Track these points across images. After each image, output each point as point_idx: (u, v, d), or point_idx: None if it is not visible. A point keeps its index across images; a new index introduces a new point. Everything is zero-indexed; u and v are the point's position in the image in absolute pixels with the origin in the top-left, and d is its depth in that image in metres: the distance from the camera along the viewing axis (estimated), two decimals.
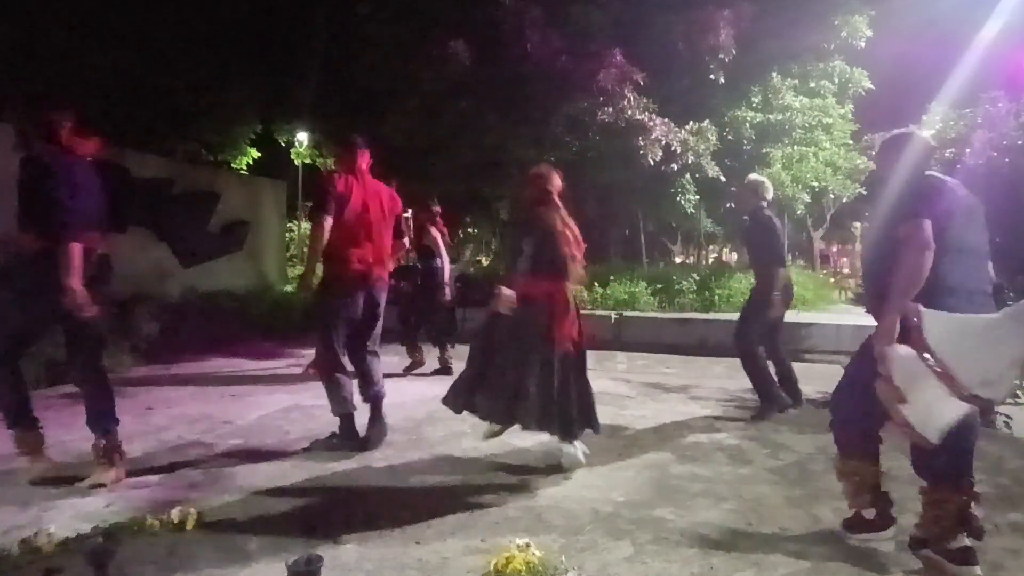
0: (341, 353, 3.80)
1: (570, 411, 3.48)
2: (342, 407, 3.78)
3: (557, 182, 3.67)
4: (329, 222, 3.62)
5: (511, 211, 3.90)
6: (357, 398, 3.87)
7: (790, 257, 23.41)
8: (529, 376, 3.38)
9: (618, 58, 9.59)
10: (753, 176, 5.19)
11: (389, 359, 6.70)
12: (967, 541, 2.40)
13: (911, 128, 2.94)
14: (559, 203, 3.64)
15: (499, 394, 3.45)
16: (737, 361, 5.49)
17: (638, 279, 10.04)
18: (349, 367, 3.87)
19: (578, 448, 3.55)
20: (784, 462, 3.74)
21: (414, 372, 6.44)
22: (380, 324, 3.99)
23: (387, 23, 10.22)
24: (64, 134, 3.20)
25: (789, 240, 24.27)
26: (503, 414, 3.52)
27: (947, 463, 2.40)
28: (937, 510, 2.41)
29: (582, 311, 3.94)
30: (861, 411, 2.62)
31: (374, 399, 3.91)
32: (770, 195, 4.94)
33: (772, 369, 4.88)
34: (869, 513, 2.74)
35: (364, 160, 3.91)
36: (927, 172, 2.60)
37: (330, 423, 4.37)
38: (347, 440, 3.79)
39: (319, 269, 3.80)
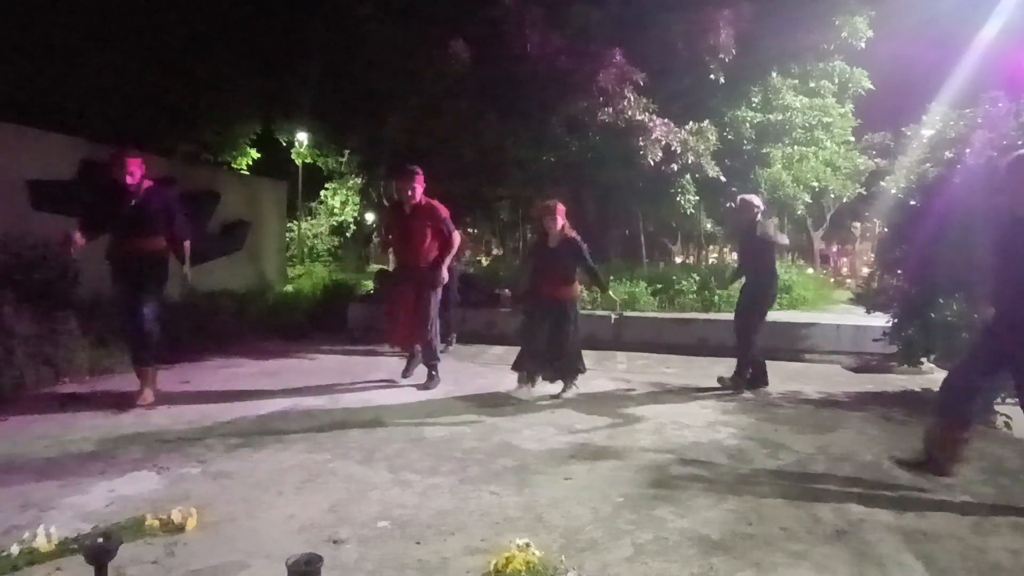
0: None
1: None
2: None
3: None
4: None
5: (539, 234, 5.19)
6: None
7: (790, 257, 23.44)
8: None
9: (618, 58, 9.57)
10: (745, 196, 6.00)
11: (388, 360, 6.72)
12: None
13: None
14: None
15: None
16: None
17: (638, 279, 10.03)
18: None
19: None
20: (784, 462, 3.74)
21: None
22: (422, 310, 5.35)
23: (387, 23, 10.20)
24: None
25: (789, 240, 24.27)
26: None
27: None
28: None
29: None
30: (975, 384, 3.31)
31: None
32: (761, 207, 5.85)
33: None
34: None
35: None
36: None
37: (331, 422, 4.39)
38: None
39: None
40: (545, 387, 5.36)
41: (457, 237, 5.42)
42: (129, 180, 4.58)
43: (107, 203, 4.68)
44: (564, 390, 5.27)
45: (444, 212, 5.32)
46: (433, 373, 5.53)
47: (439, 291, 5.40)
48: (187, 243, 4.93)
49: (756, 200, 5.81)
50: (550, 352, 5.17)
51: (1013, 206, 3.23)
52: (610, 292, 5.64)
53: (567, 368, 5.26)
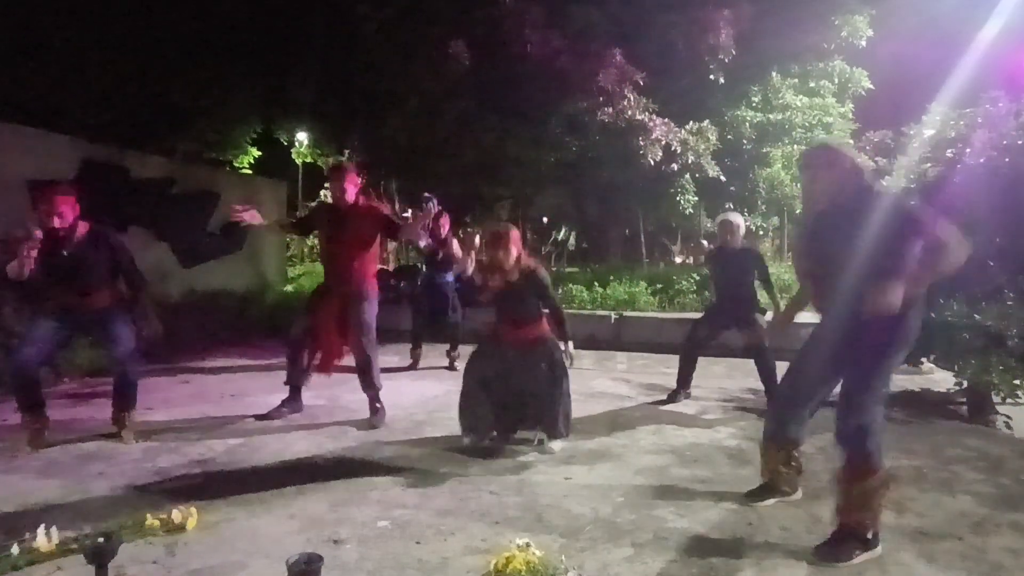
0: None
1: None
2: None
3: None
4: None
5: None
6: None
7: (790, 257, 23.42)
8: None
9: (618, 58, 9.57)
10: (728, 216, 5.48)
11: (388, 359, 6.72)
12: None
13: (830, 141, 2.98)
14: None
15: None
16: (737, 361, 5.51)
17: (638, 279, 10.03)
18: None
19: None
20: None
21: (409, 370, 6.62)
22: (358, 328, 4.46)
23: (387, 23, 10.21)
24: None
25: (788, 240, 24.27)
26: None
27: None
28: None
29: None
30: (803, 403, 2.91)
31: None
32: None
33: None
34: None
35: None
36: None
37: (331, 421, 4.39)
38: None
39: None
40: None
41: (412, 226, 4.72)
42: (57, 223, 3.71)
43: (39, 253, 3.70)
44: (548, 440, 3.90)
45: (385, 210, 4.65)
46: (377, 405, 4.53)
47: (374, 308, 4.54)
48: (142, 294, 4.10)
49: (736, 221, 5.36)
50: (522, 399, 3.94)
51: (811, 199, 2.93)
52: (570, 346, 3.95)
53: (553, 419, 3.88)
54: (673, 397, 5.30)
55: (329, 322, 4.55)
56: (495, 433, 3.98)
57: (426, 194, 4.45)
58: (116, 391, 4.01)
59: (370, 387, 4.52)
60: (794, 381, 2.98)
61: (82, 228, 3.86)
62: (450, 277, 6.63)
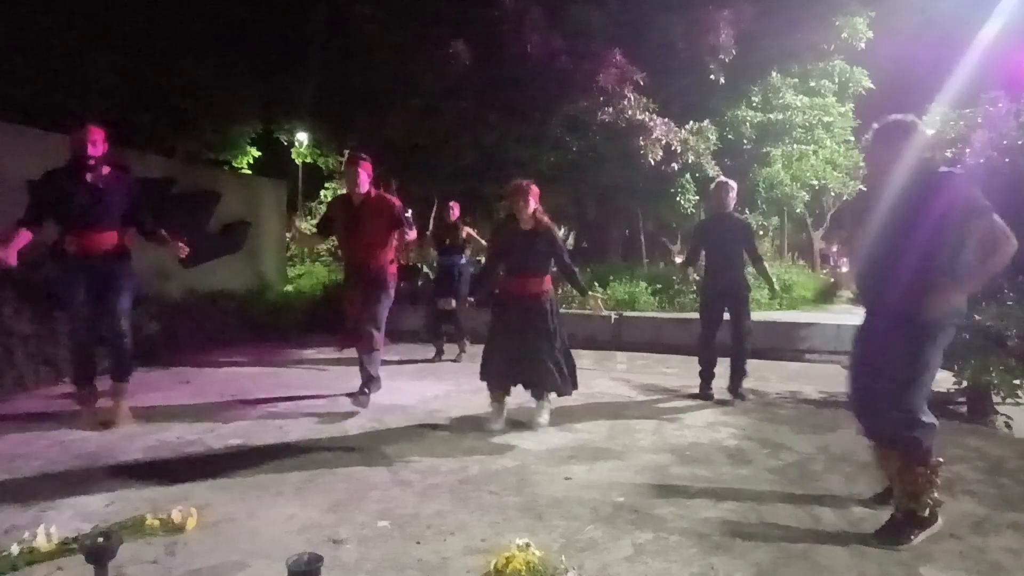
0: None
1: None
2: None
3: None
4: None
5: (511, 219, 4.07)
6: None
7: (790, 257, 23.44)
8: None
9: (618, 58, 9.58)
10: (720, 179, 5.61)
11: (387, 358, 6.71)
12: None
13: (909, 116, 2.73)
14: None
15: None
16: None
17: (638, 279, 10.03)
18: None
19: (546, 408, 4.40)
20: (784, 462, 3.74)
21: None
22: (373, 308, 4.71)
23: (387, 23, 10.21)
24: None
25: (788, 239, 24.30)
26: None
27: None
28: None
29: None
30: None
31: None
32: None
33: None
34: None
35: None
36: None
37: (331, 422, 4.39)
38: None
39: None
40: (524, 398, 4.50)
41: (413, 233, 4.91)
42: (91, 150, 3.93)
43: (60, 185, 3.95)
44: (538, 412, 4.37)
45: (398, 205, 4.79)
46: (366, 390, 4.77)
47: (390, 294, 4.82)
48: (162, 231, 4.34)
49: (732, 183, 5.45)
50: (521, 356, 4.27)
51: (873, 174, 2.88)
52: (590, 292, 4.65)
53: (542, 375, 4.27)
54: (704, 395, 5.35)
55: (352, 310, 4.83)
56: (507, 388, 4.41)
57: (407, 214, 4.86)
58: (113, 355, 4.26)
59: (365, 371, 4.80)
60: (850, 376, 2.96)
61: (107, 166, 4.09)
62: (459, 260, 7.10)
